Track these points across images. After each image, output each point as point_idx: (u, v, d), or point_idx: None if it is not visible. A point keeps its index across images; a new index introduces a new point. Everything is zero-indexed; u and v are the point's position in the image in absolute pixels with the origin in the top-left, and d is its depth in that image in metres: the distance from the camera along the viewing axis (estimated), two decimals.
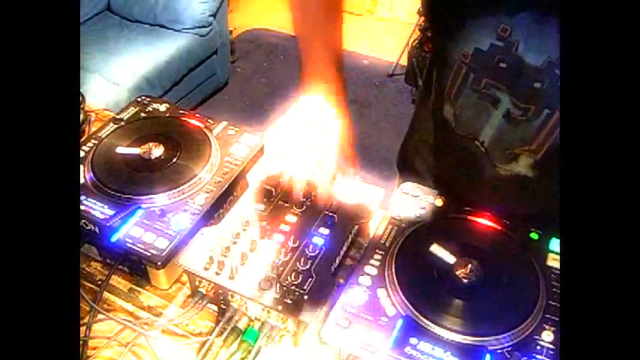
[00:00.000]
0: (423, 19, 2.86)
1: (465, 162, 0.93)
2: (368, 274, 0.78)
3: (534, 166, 0.85)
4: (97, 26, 2.73)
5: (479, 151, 0.89)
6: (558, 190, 0.81)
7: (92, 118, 1.20)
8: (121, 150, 0.97)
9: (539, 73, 0.75)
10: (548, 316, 0.73)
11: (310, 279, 0.77)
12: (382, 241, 0.83)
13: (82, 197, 0.88)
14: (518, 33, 0.73)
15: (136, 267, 0.87)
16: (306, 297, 0.75)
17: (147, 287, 0.89)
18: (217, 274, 0.78)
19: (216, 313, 0.84)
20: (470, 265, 0.77)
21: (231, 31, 3.17)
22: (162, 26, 2.73)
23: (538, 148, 0.82)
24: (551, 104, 0.77)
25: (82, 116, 1.17)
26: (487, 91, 0.81)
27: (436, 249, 0.79)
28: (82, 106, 1.18)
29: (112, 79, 2.40)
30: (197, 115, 1.08)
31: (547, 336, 0.71)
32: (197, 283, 0.81)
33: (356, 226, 0.88)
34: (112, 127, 1.03)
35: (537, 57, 0.74)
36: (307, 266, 0.79)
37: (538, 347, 0.70)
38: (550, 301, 0.75)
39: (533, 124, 0.80)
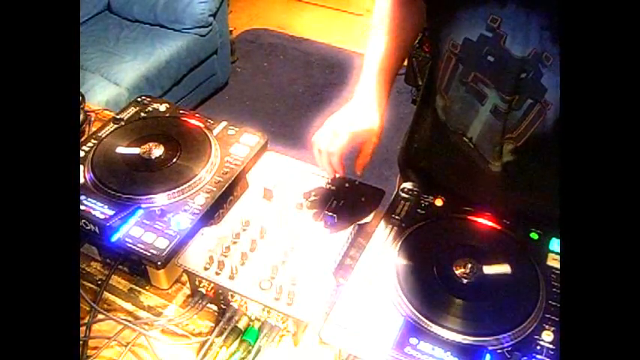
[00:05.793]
0: None
1: (459, 160, 0.94)
2: (368, 274, 0.78)
3: (514, 151, 0.87)
4: (97, 26, 2.73)
5: (469, 148, 0.91)
6: (538, 173, 0.82)
7: (92, 118, 1.20)
8: (121, 150, 0.97)
9: (525, 64, 0.76)
10: (548, 316, 0.73)
11: (310, 279, 0.77)
12: (382, 241, 0.83)
13: (82, 197, 0.88)
14: (507, 25, 0.75)
15: (136, 267, 0.87)
16: (305, 297, 0.75)
17: (147, 287, 0.89)
18: (217, 274, 0.78)
19: (216, 313, 0.84)
20: (470, 265, 0.77)
21: (231, 31, 3.16)
22: (162, 26, 2.73)
23: (519, 136, 0.84)
24: (535, 94, 0.79)
25: (82, 116, 1.17)
26: (475, 85, 0.83)
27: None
28: (82, 106, 1.18)
29: (112, 79, 2.40)
30: (197, 115, 1.08)
31: (547, 336, 0.71)
32: (197, 283, 0.81)
33: (356, 226, 0.88)
34: (112, 127, 1.03)
35: (524, 49, 0.75)
36: (307, 266, 0.79)
37: (538, 347, 0.70)
38: (550, 301, 0.75)
39: (516, 113, 0.81)
